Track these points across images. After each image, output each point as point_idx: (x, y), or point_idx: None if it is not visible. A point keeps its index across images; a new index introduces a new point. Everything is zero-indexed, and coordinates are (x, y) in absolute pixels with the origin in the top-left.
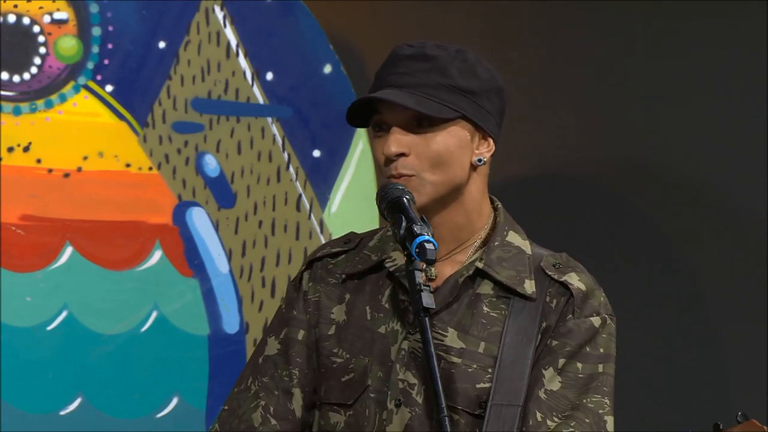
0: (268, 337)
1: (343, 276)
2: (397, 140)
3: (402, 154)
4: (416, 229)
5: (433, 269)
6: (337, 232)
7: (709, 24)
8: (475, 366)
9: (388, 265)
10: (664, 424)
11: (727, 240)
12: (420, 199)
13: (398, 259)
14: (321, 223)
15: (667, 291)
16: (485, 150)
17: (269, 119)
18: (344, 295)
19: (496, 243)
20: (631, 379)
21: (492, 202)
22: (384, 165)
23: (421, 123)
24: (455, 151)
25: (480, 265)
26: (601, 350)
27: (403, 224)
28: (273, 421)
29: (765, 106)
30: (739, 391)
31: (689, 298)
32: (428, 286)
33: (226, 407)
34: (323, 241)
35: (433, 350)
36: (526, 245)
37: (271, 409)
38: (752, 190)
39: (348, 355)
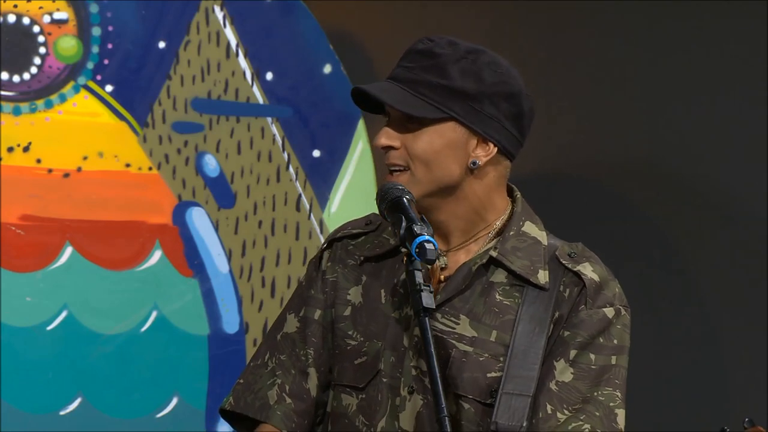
0: (288, 314)
1: (362, 258)
2: (387, 133)
3: (391, 147)
4: (416, 229)
5: (444, 258)
6: None
7: (709, 24)
8: (486, 355)
9: (404, 250)
10: (664, 424)
11: (727, 240)
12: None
13: None
14: (321, 223)
15: (667, 291)
16: (482, 153)
17: (269, 119)
18: (361, 277)
19: (512, 233)
20: (630, 379)
21: (512, 192)
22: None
23: (411, 119)
24: (441, 151)
25: (494, 253)
26: (615, 341)
27: (403, 224)
28: (288, 400)
29: (765, 106)
30: (739, 391)
31: (689, 298)
32: (428, 285)
33: (241, 381)
34: (323, 241)
35: (433, 350)
36: (542, 236)
37: (287, 387)
38: (752, 189)
39: (362, 338)
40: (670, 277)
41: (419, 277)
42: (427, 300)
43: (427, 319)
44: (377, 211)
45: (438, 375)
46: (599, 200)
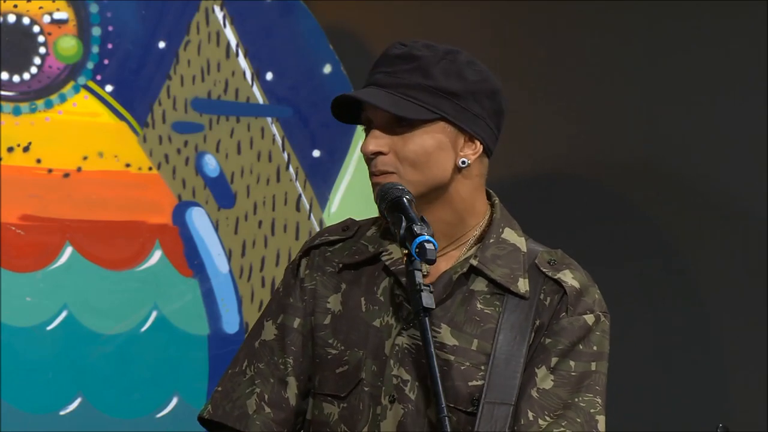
0: (265, 320)
1: (340, 265)
2: (376, 139)
3: (380, 153)
4: (416, 229)
5: (425, 265)
6: None
7: (709, 24)
8: (467, 363)
9: (384, 258)
10: (663, 424)
11: (727, 240)
12: None
13: (395, 252)
14: (321, 223)
15: (666, 291)
16: (470, 152)
17: (269, 119)
18: (340, 284)
19: (492, 240)
20: (631, 379)
21: (489, 197)
22: (367, 163)
23: (400, 123)
24: (433, 152)
25: (474, 262)
26: (595, 348)
27: (403, 224)
28: (267, 409)
29: (765, 106)
30: (739, 391)
31: (689, 298)
32: (428, 286)
33: (219, 388)
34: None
35: (433, 350)
36: (521, 242)
37: (266, 396)
38: (752, 189)
39: (343, 347)
40: (670, 277)
41: (419, 277)
42: (427, 300)
43: (426, 319)
44: (377, 211)
45: (438, 375)
46: (599, 200)
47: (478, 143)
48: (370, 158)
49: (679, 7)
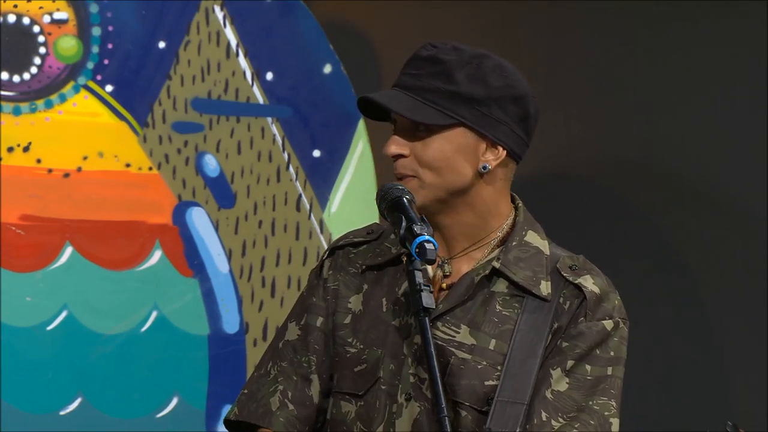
0: (290, 322)
1: (363, 266)
2: (396, 141)
3: (401, 155)
4: (416, 229)
5: (447, 265)
6: (337, 232)
7: (709, 24)
8: (484, 363)
9: (405, 259)
10: (664, 424)
11: (727, 240)
12: (419, 200)
13: None
14: (321, 223)
15: (666, 291)
16: (492, 157)
17: (269, 119)
18: (362, 285)
19: (514, 243)
20: (630, 379)
21: (513, 200)
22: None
23: (419, 127)
24: (451, 157)
25: (497, 264)
26: (612, 353)
27: (403, 224)
28: (290, 406)
29: (765, 106)
30: (739, 391)
31: (689, 298)
32: (428, 286)
33: (245, 391)
34: (323, 241)
35: (433, 350)
36: (544, 245)
37: (289, 394)
38: (752, 190)
39: (362, 346)
40: (670, 277)
41: (419, 277)
42: (427, 300)
43: (426, 318)
44: (377, 211)
45: (438, 375)
46: (599, 200)
47: (500, 149)
48: (393, 159)
49: (679, 8)
